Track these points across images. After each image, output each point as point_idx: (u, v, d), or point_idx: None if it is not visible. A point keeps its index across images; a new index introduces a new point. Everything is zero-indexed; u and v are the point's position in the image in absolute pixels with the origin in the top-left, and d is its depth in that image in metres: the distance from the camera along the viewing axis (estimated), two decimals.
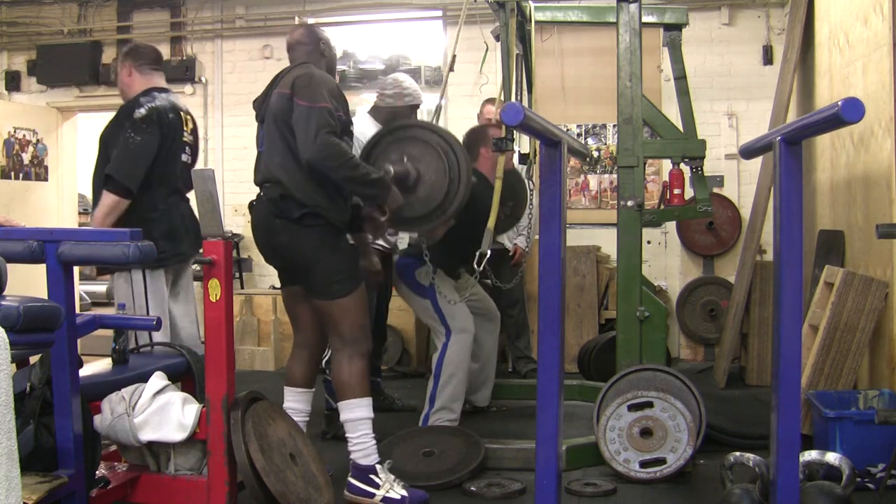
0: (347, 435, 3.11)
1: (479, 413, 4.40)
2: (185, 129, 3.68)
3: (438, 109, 4.09)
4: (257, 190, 3.25)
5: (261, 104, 3.24)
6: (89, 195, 8.71)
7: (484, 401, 4.45)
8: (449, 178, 3.36)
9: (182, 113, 3.70)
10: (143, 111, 3.53)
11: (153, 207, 3.59)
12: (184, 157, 3.69)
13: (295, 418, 3.28)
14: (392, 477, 3.09)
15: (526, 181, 4.87)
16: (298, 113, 2.99)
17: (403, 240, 4.45)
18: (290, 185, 3.02)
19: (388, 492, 3.03)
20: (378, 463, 3.08)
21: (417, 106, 4.13)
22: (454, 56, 4.10)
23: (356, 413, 3.08)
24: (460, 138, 5.41)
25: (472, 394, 4.34)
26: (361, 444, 3.08)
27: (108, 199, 3.47)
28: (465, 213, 3.52)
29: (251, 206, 3.23)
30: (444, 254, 3.92)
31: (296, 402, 3.32)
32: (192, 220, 3.67)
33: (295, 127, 2.99)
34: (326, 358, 3.79)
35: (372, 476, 3.05)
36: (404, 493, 3.05)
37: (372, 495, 3.02)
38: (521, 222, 5.24)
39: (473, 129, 4.28)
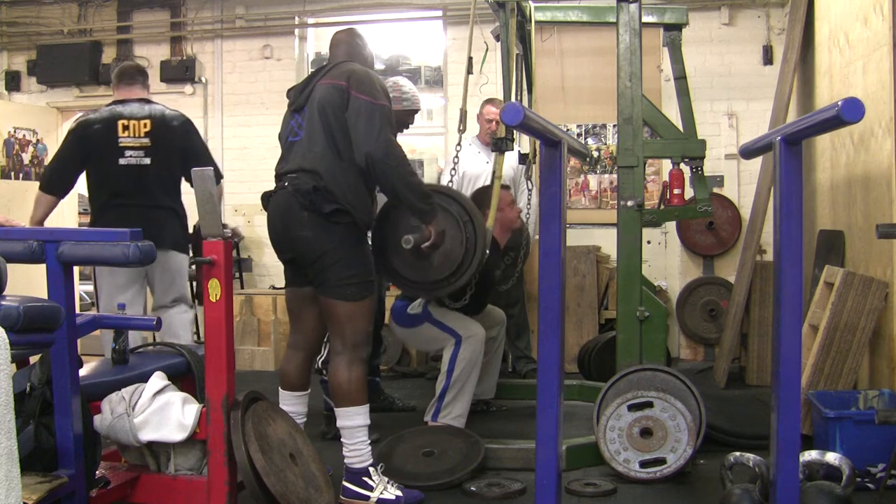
0: (343, 440, 3.10)
1: (479, 413, 4.39)
2: (123, 134, 4.00)
3: (463, 115, 4.06)
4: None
5: (299, 93, 3.18)
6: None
7: (488, 393, 4.43)
8: (464, 249, 3.37)
9: (124, 121, 4.01)
10: (73, 124, 4.11)
11: (98, 206, 4.10)
12: (122, 161, 4.00)
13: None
14: (385, 478, 3.09)
15: (526, 181, 4.89)
16: (359, 106, 2.98)
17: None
18: (326, 177, 2.99)
19: (382, 493, 3.03)
20: (371, 465, 3.08)
21: (415, 112, 4.12)
22: (470, 58, 4.08)
23: (355, 421, 3.07)
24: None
25: (477, 386, 4.33)
26: (357, 449, 3.07)
27: (36, 194, 4.12)
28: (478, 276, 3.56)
29: (267, 196, 3.17)
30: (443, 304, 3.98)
31: (292, 406, 3.28)
32: (139, 220, 3.46)
33: (355, 119, 2.98)
34: (323, 358, 3.79)
35: (365, 479, 3.04)
36: (399, 493, 3.05)
37: (366, 497, 3.02)
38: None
39: (479, 190, 4.31)
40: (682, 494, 3.25)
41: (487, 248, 3.50)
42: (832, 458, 2.84)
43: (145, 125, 4.00)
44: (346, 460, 3.09)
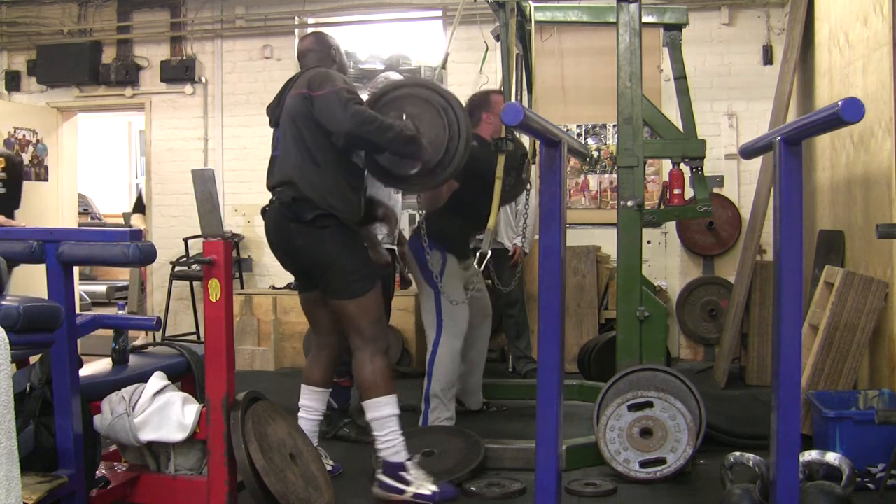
0: (375, 433, 3.11)
1: (479, 413, 4.40)
2: None
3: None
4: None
5: (274, 108, 3.27)
6: (89, 195, 8.86)
7: (476, 405, 4.43)
8: (448, 136, 3.31)
9: None
10: None
11: None
12: None
13: (309, 416, 3.32)
14: (422, 473, 3.10)
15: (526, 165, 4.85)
16: (322, 101, 3.03)
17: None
18: (303, 186, 3.06)
19: (418, 488, 3.04)
20: (408, 460, 3.09)
21: None
22: (447, 54, 4.09)
23: (383, 411, 3.08)
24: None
25: (464, 396, 4.33)
26: (390, 441, 3.08)
27: None
28: (469, 179, 3.53)
29: (264, 211, 3.27)
30: (454, 224, 3.89)
31: (312, 401, 3.35)
32: None
33: (325, 113, 3.02)
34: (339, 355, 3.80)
35: (402, 473, 3.05)
36: (434, 488, 3.07)
37: (402, 492, 3.03)
38: (519, 222, 5.24)
39: (476, 94, 4.26)
40: (682, 494, 3.25)
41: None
42: (832, 458, 2.84)
43: (1, 161, 5.03)
44: (380, 453, 3.10)
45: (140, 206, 7.69)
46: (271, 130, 3.34)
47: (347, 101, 3.01)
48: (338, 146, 3.07)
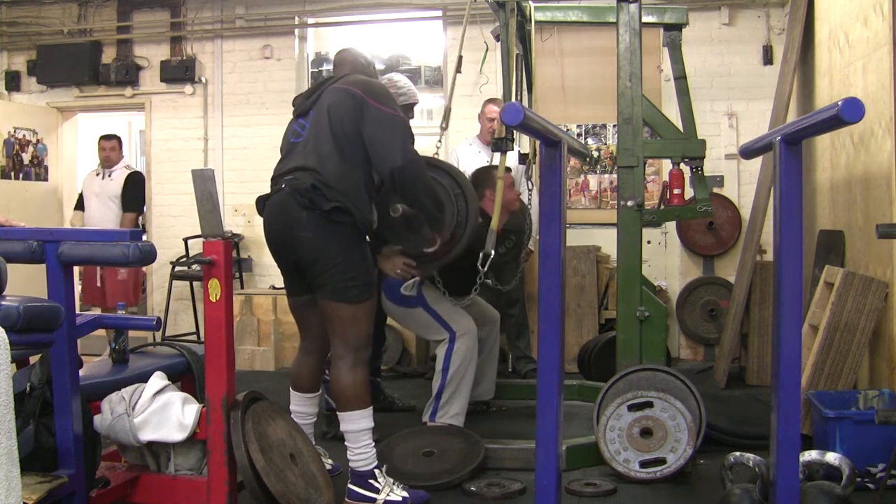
0: (348, 444, 3.07)
1: (479, 413, 4.39)
2: None
3: (447, 112, 4.07)
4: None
5: (305, 100, 3.21)
6: None
7: (487, 394, 4.42)
8: (456, 221, 3.37)
9: None
10: None
11: None
12: None
13: (302, 422, 3.28)
14: (391, 479, 3.07)
15: (526, 181, 4.89)
16: (381, 117, 3.03)
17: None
18: (328, 175, 2.99)
19: (388, 495, 3.01)
20: (377, 467, 3.06)
21: (413, 105, 4.11)
22: (460, 57, 4.09)
23: (360, 424, 3.04)
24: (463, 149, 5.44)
25: (474, 388, 4.32)
26: (363, 452, 3.04)
27: None
28: (465, 253, 3.53)
29: (262, 200, 3.15)
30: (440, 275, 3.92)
31: (303, 407, 3.33)
32: None
33: (376, 130, 3.02)
34: (326, 357, 3.79)
35: (371, 481, 3.02)
36: (405, 494, 3.04)
37: (373, 500, 3.00)
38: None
39: (479, 170, 4.28)
40: (682, 494, 3.25)
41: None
42: (832, 458, 2.84)
43: None
44: (350, 463, 3.07)
45: (82, 203, 6.74)
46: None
47: (405, 138, 3.05)
48: (378, 174, 3.08)
